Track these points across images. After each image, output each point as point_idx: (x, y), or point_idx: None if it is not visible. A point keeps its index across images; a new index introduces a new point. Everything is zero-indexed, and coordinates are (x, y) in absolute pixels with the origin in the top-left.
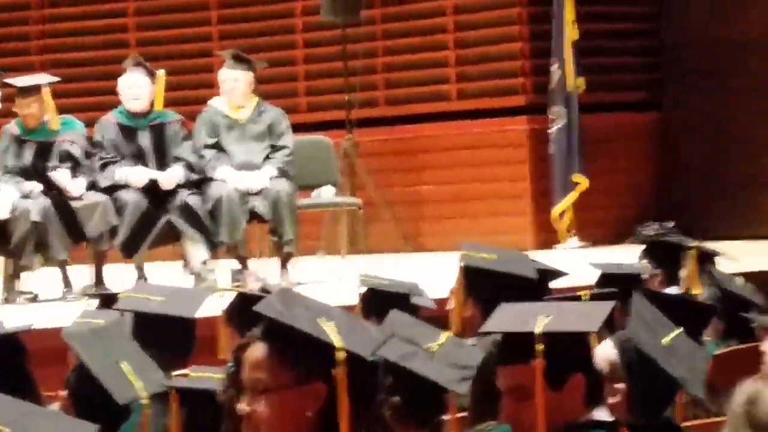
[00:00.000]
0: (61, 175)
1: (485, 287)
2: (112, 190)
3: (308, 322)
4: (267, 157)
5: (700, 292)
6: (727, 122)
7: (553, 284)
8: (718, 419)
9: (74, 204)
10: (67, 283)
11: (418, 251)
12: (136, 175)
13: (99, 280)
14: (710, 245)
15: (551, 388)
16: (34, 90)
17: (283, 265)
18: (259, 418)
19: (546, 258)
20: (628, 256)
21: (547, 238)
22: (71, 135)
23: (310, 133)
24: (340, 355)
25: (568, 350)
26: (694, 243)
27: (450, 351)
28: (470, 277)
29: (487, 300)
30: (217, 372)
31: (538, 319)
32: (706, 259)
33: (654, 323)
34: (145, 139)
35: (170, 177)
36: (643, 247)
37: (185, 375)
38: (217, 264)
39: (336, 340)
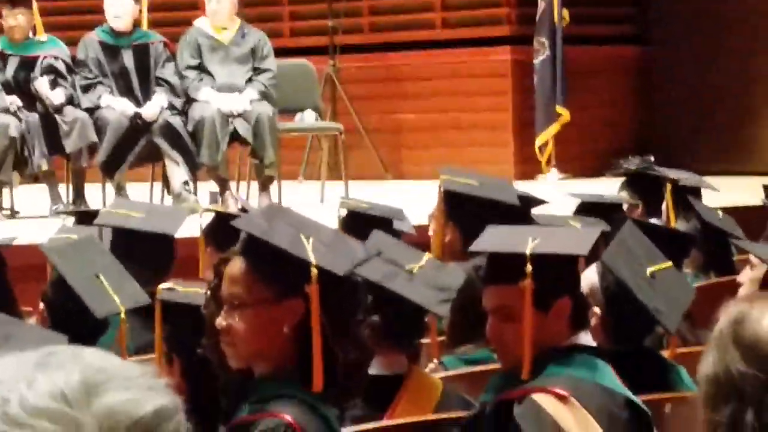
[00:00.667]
0: (41, 84)
1: (466, 212)
2: (93, 107)
3: (287, 238)
4: (249, 80)
5: (679, 224)
6: (718, 53)
7: (534, 212)
8: (697, 348)
9: (55, 118)
10: (54, 197)
11: (398, 179)
12: (119, 106)
13: (78, 197)
14: (691, 178)
15: (537, 310)
16: (23, 1)
17: (264, 188)
18: (235, 333)
19: (527, 188)
20: (607, 189)
21: (528, 169)
22: (55, 51)
23: (293, 57)
24: (314, 272)
25: (557, 273)
26: (674, 175)
27: (431, 273)
28: (451, 201)
29: (469, 225)
30: (201, 287)
31: (527, 240)
32: (686, 191)
33: (639, 252)
34: (128, 59)
35: (153, 109)
36: (624, 179)
37: (170, 289)
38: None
39: (311, 257)
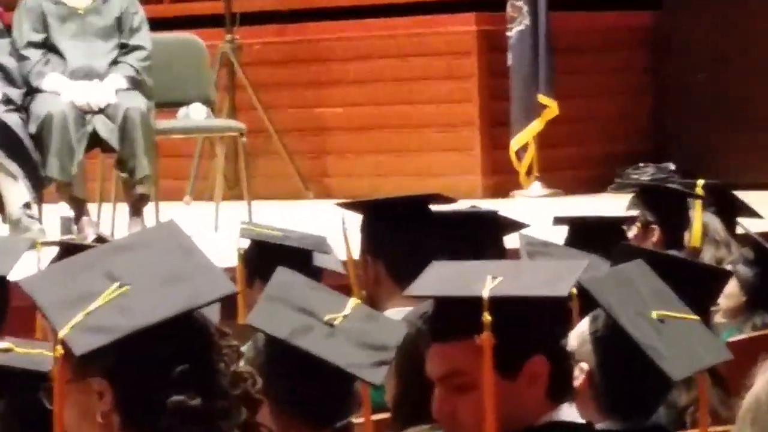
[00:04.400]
0: None
1: (399, 242)
2: None
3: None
4: (115, 62)
5: (707, 253)
6: (752, 22)
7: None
8: (730, 428)
9: None
10: None
11: (322, 197)
12: None
13: None
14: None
15: (502, 375)
16: None
17: (135, 212)
18: None
19: (500, 209)
20: (609, 208)
21: (502, 182)
22: None
23: (176, 31)
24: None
25: (527, 323)
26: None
27: (359, 326)
28: (371, 228)
29: (407, 259)
30: (45, 347)
31: (486, 279)
32: (721, 211)
33: (645, 290)
34: None
35: None
36: (634, 194)
37: (5, 349)
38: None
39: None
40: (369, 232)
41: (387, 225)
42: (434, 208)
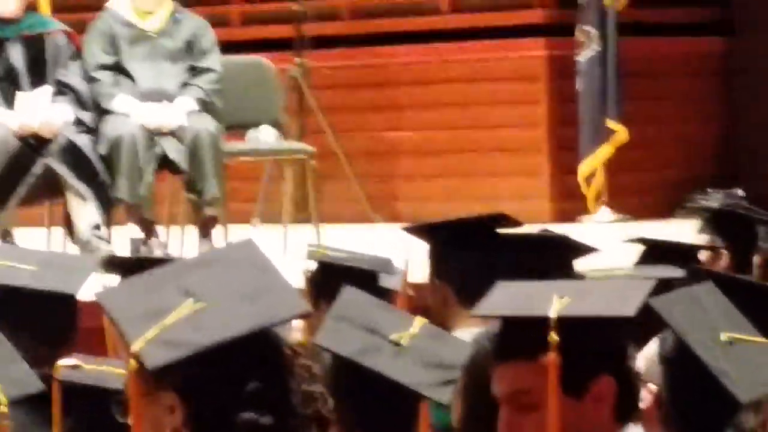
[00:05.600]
0: None
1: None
2: None
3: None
4: (185, 84)
5: None
6: None
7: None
8: None
9: None
10: None
11: (391, 221)
12: (2, 118)
13: None
14: None
15: (568, 394)
16: None
17: (204, 234)
18: None
19: (568, 233)
20: (678, 233)
21: (570, 207)
22: None
23: (245, 53)
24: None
25: (593, 343)
26: None
27: (426, 345)
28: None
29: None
30: (119, 366)
31: (552, 298)
32: None
33: (715, 313)
34: (16, 54)
35: (52, 122)
36: (704, 220)
37: (74, 366)
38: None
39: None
40: (435, 254)
41: (453, 247)
42: (503, 230)
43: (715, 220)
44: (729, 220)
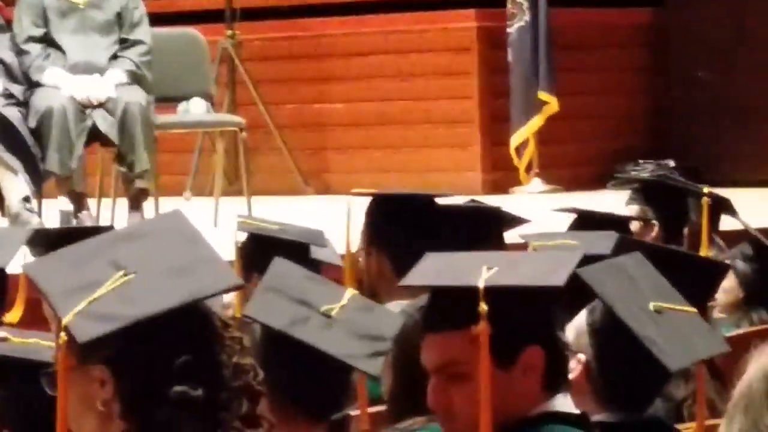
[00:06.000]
0: None
1: (400, 235)
2: None
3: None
4: (115, 56)
5: (709, 252)
6: (754, 17)
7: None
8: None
9: None
10: None
11: (322, 193)
12: None
13: None
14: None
15: (498, 365)
16: None
17: (135, 206)
18: None
19: (501, 205)
20: (610, 205)
21: (501, 178)
22: None
23: (176, 26)
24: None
25: (522, 313)
26: (707, 188)
27: (356, 316)
28: (377, 221)
29: (401, 250)
30: (48, 339)
31: (481, 269)
32: (721, 209)
33: (644, 283)
34: None
35: None
36: (634, 191)
37: (2, 339)
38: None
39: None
40: (377, 224)
41: (396, 218)
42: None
43: (645, 191)
44: (658, 191)
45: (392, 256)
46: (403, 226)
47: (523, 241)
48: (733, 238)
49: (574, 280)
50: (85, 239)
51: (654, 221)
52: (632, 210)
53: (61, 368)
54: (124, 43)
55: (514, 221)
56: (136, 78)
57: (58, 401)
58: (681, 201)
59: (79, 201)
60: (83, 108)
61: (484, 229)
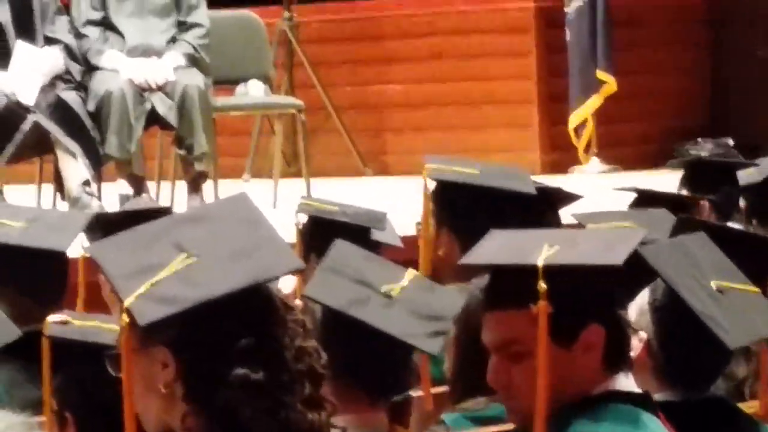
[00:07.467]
0: None
1: (464, 213)
2: None
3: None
4: (173, 39)
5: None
6: None
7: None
8: None
9: None
10: None
11: (381, 175)
12: None
13: None
14: None
15: (557, 343)
16: None
17: (194, 189)
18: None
19: (559, 184)
20: (667, 183)
21: (560, 158)
22: None
23: (234, 8)
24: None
25: (582, 292)
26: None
27: (416, 296)
28: (443, 199)
29: (469, 231)
30: (110, 321)
31: (542, 247)
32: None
33: (706, 263)
34: (2, 9)
35: (29, 86)
36: (688, 170)
37: (62, 323)
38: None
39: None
40: (455, 209)
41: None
42: None
43: (699, 171)
44: (713, 171)
45: (462, 237)
46: (476, 209)
47: (576, 221)
48: None
49: (636, 258)
50: (147, 222)
51: (705, 201)
52: (684, 190)
53: (125, 350)
54: (182, 26)
55: (567, 199)
56: (194, 61)
57: (123, 383)
58: (730, 178)
59: (138, 184)
60: (142, 91)
61: (542, 208)
